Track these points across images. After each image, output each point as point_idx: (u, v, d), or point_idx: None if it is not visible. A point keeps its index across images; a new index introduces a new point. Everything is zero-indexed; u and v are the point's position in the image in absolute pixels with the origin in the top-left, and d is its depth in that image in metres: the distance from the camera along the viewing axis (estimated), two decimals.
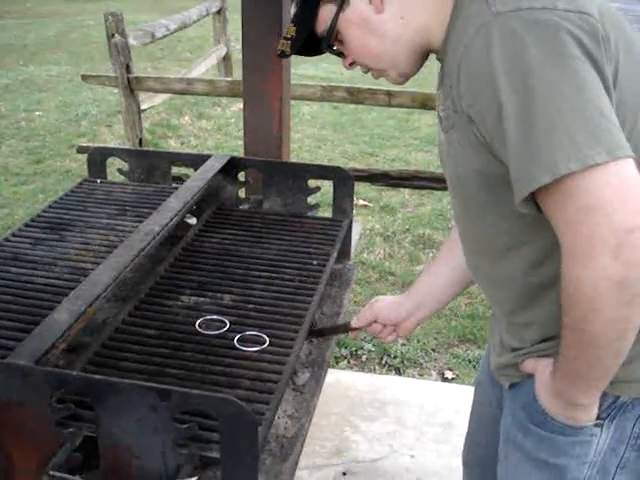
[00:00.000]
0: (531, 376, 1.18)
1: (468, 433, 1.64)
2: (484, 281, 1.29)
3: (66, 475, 1.06)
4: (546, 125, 0.93)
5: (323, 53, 1.28)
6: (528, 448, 1.22)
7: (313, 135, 6.42)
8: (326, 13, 1.19)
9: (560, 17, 0.95)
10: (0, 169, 5.64)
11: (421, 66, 1.23)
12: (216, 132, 6.59)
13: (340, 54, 1.27)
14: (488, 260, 1.22)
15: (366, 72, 1.27)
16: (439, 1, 1.13)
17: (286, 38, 1.25)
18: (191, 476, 1.07)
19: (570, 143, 0.92)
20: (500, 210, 1.10)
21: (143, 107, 5.11)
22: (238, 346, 1.42)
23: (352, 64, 1.27)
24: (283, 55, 1.29)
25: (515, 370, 1.23)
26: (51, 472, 1.05)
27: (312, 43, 1.25)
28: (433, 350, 3.32)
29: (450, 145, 1.14)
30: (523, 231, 1.10)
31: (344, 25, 1.19)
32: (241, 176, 2.14)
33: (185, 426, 1.06)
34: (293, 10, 1.25)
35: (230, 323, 1.49)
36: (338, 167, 1.97)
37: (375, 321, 1.55)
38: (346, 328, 1.61)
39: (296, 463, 1.31)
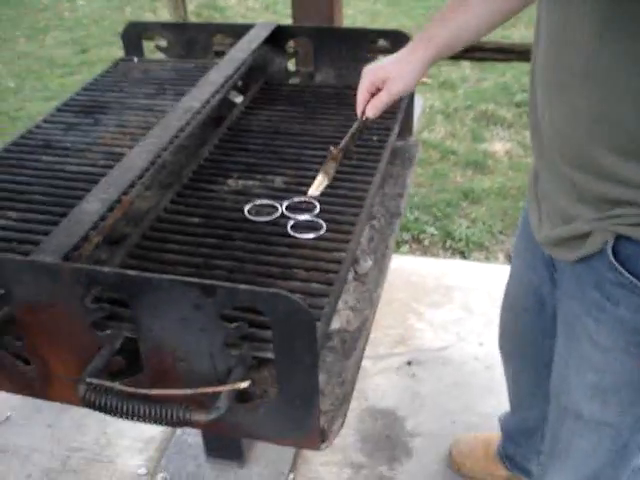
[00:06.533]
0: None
1: (501, 320, 1.55)
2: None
3: (104, 382, 0.94)
4: None
5: None
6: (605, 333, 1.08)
7: (366, 10, 6.06)
8: None
9: None
10: (46, 61, 5.51)
11: None
12: (264, 11, 6.29)
13: None
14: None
15: None
16: None
17: None
18: (244, 379, 0.94)
19: None
20: None
21: None
22: (292, 233, 1.28)
23: None
24: None
25: (584, 241, 1.04)
26: (87, 379, 0.94)
27: None
28: (500, 232, 3.15)
29: None
30: None
31: None
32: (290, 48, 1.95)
33: (234, 325, 0.93)
34: None
35: (283, 208, 1.34)
36: (396, 30, 1.75)
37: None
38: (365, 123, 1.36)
39: (360, 359, 1.18)
